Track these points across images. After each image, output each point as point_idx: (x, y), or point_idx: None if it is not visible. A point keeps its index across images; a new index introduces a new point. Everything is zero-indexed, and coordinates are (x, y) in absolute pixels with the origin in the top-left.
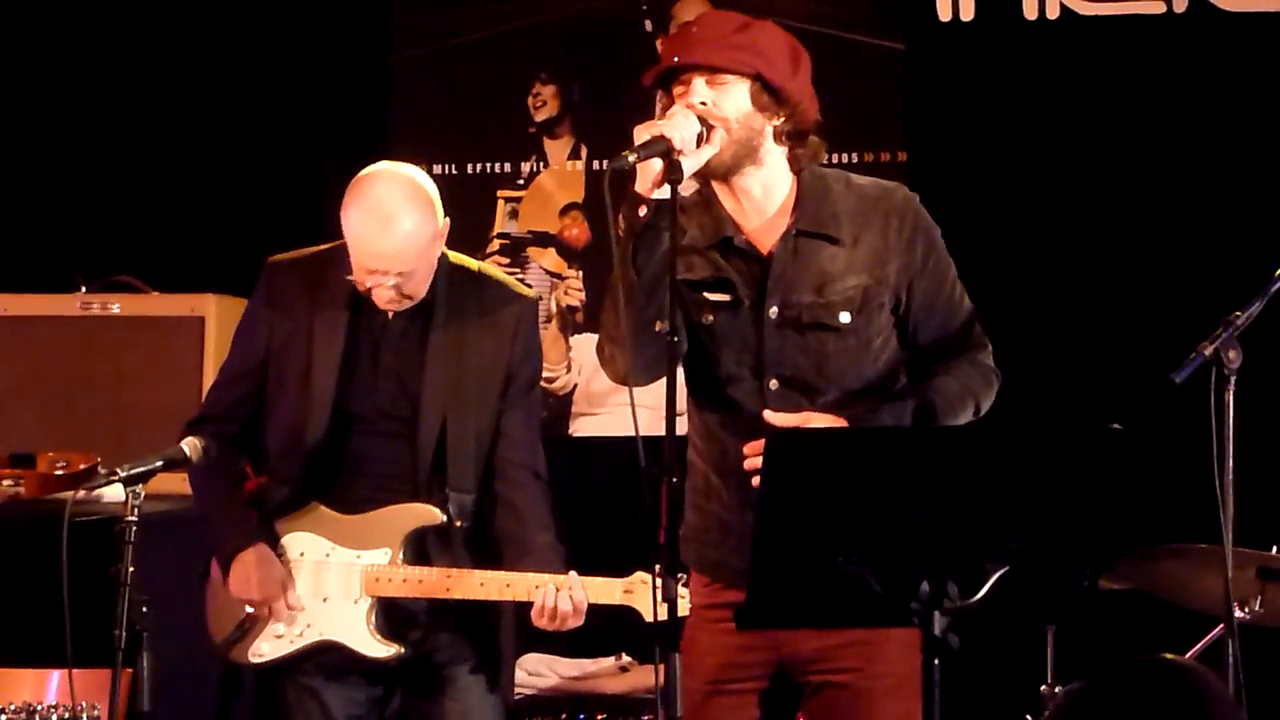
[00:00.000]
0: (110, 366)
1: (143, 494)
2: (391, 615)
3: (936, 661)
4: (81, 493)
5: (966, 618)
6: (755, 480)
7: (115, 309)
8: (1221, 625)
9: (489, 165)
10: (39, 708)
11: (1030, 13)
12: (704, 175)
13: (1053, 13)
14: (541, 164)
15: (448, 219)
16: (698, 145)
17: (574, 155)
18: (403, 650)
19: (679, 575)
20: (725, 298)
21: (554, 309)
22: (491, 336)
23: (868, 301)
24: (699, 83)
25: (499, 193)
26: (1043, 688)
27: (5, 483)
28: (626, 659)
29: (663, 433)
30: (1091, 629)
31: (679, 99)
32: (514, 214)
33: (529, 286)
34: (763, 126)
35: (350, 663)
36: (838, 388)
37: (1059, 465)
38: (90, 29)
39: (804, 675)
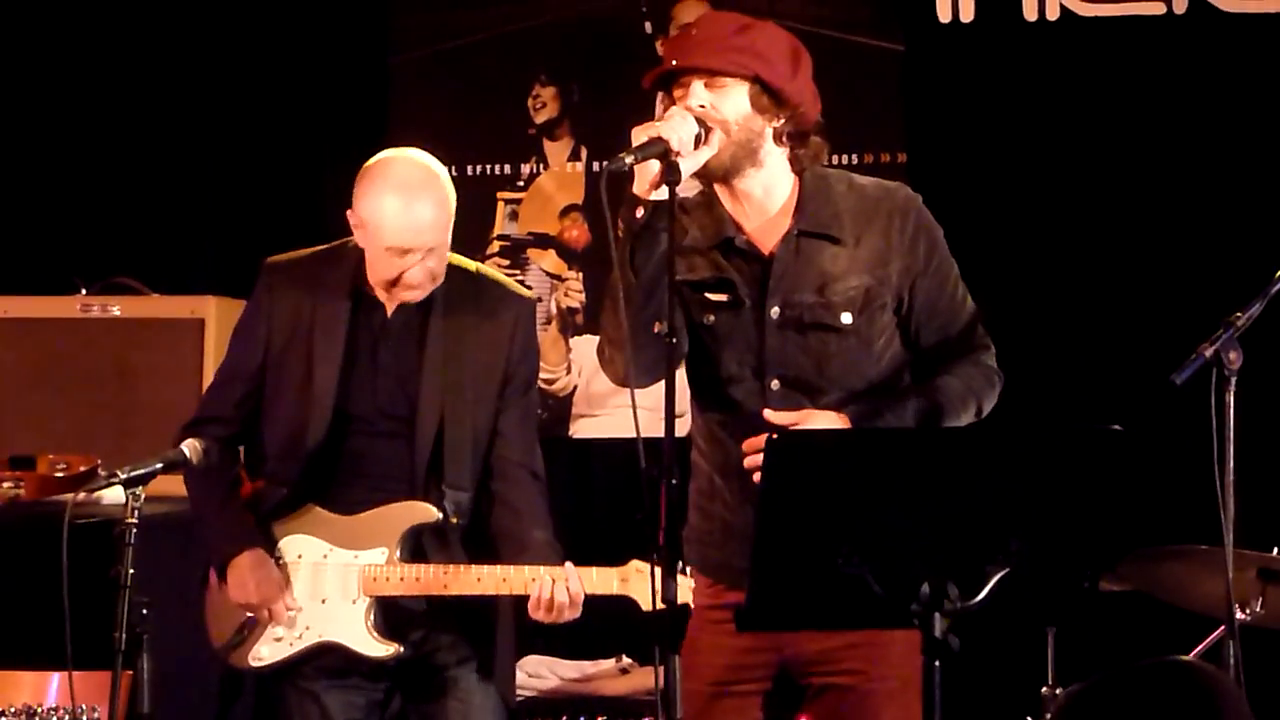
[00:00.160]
0: (110, 368)
1: (143, 496)
2: (390, 615)
3: (937, 663)
4: (82, 495)
5: (967, 619)
6: (756, 477)
7: (115, 311)
8: (1222, 627)
9: (489, 167)
10: (39, 710)
11: (1030, 14)
12: (703, 177)
13: (1052, 14)
14: (541, 166)
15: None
16: (695, 147)
17: (574, 157)
18: (401, 649)
19: (679, 564)
20: (726, 298)
21: (554, 310)
22: (489, 336)
23: (869, 302)
24: (698, 85)
25: (499, 194)
26: (1043, 689)
27: (5, 485)
28: (627, 661)
29: (662, 434)
30: (1092, 631)
31: (679, 101)
32: (514, 215)
33: (529, 288)
34: (762, 128)
35: (350, 664)
36: (839, 388)
37: (1059, 466)
38: (91, 31)
39: (806, 677)
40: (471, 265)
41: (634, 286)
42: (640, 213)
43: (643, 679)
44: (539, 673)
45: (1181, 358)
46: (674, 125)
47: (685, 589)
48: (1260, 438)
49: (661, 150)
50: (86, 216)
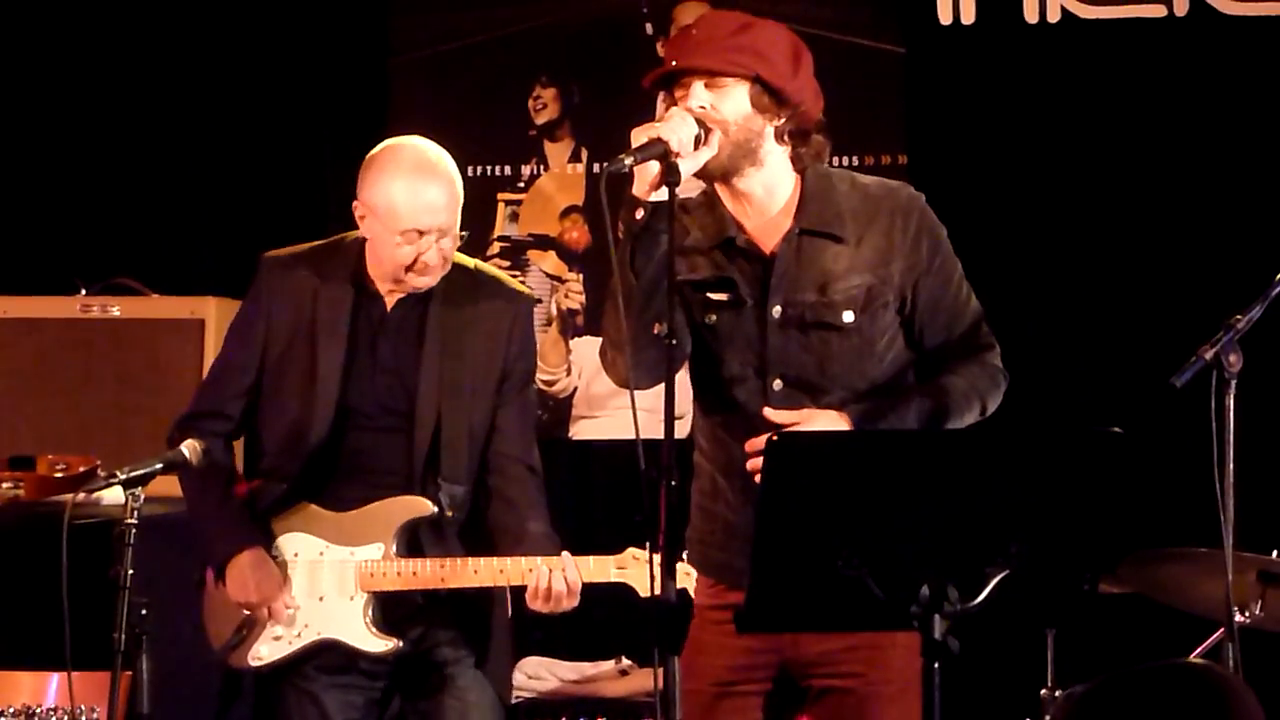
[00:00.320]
0: (110, 369)
1: (142, 496)
2: (388, 610)
3: (936, 665)
4: (81, 495)
5: (966, 621)
6: (756, 479)
7: (115, 311)
8: (1222, 629)
9: (489, 168)
10: (38, 710)
11: (1031, 16)
12: (703, 177)
13: (1053, 16)
14: (542, 167)
15: None
16: (695, 147)
17: (574, 158)
18: (400, 644)
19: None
20: (728, 298)
21: (554, 312)
22: (488, 332)
23: (871, 301)
24: (698, 86)
25: (499, 195)
26: (1043, 691)
27: (5, 485)
28: (626, 662)
29: (663, 436)
30: (1092, 633)
31: (680, 102)
32: (514, 217)
33: (529, 289)
34: (762, 128)
35: (348, 661)
36: (842, 387)
37: (1060, 469)
38: (91, 32)
39: (807, 679)
40: (470, 262)
41: (634, 288)
42: (640, 214)
43: (642, 680)
44: (538, 674)
45: (1181, 360)
46: (674, 126)
47: (682, 575)
48: (1260, 440)
49: (661, 151)
50: (87, 217)
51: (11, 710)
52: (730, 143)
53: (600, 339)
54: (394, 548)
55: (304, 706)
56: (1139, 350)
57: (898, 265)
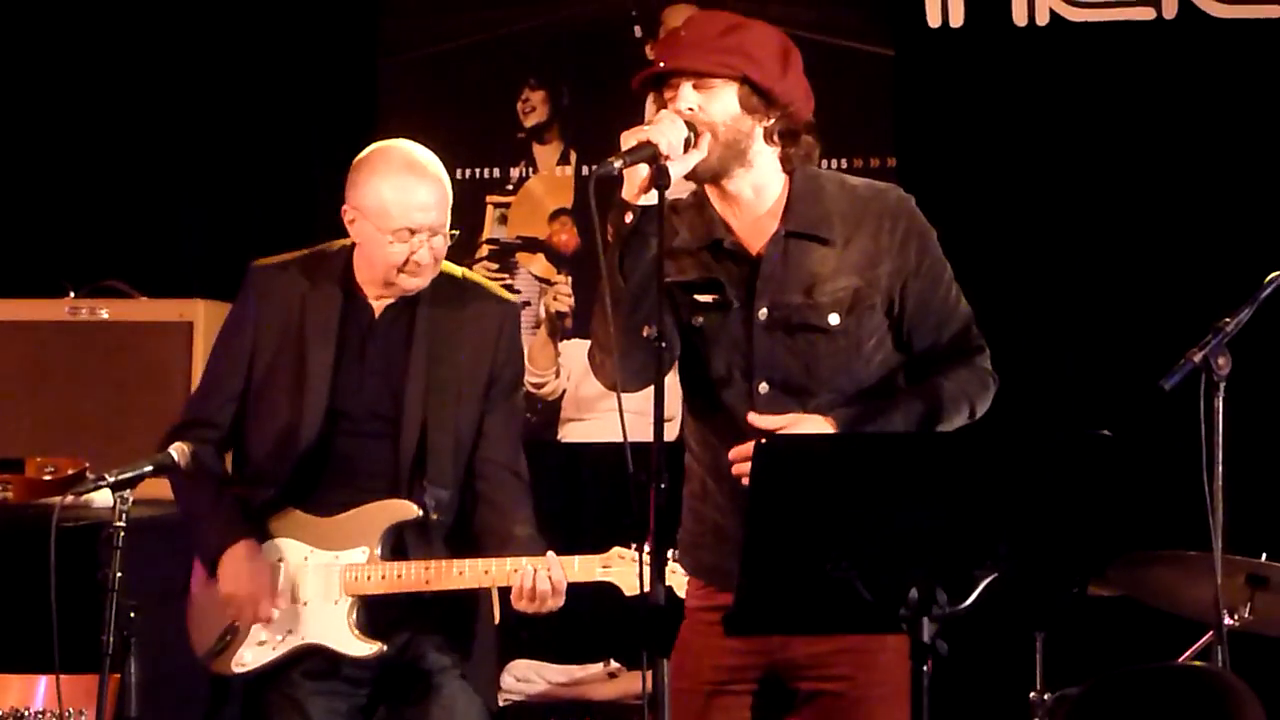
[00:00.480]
0: (99, 371)
1: (131, 499)
2: (373, 614)
3: (925, 668)
4: (70, 498)
5: (955, 624)
6: (744, 482)
7: (104, 314)
8: (1211, 632)
9: (478, 170)
10: (26, 713)
11: (1020, 19)
12: (692, 179)
13: (1042, 19)
14: (531, 169)
15: None
16: (685, 150)
17: (563, 161)
18: (385, 648)
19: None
20: (715, 299)
21: (543, 314)
22: (475, 338)
23: (858, 303)
24: (686, 87)
25: (488, 198)
26: (1032, 694)
27: None
28: (615, 665)
29: (652, 439)
30: (1081, 636)
31: (669, 103)
32: (503, 219)
33: (517, 292)
34: (751, 128)
35: (333, 667)
36: (829, 390)
37: (1049, 471)
38: (79, 34)
39: (796, 681)
40: (457, 271)
41: (622, 291)
42: (629, 217)
43: (631, 683)
44: (527, 677)
45: (1170, 363)
46: (663, 129)
47: (669, 575)
48: (1249, 443)
49: (650, 154)
50: (75, 220)
51: (0, 713)
52: (719, 144)
53: (589, 341)
54: (379, 551)
55: (288, 714)
56: (1128, 353)
57: (885, 268)
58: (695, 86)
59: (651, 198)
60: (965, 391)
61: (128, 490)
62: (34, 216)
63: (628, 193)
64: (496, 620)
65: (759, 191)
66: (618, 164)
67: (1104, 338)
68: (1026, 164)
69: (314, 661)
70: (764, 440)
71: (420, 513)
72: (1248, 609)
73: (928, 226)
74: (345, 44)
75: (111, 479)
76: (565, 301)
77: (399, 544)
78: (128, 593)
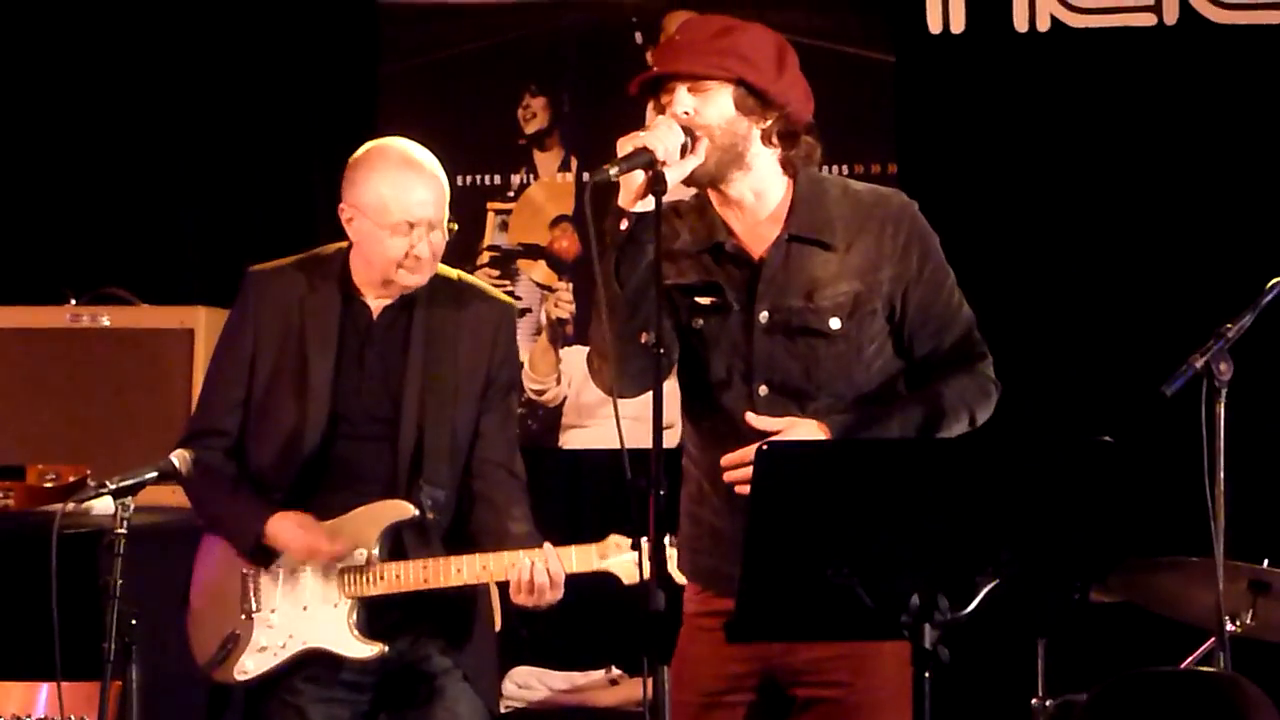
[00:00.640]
0: (100, 379)
1: (132, 506)
2: (374, 615)
3: (927, 674)
4: (71, 505)
5: (957, 630)
6: (737, 490)
7: (105, 321)
8: (1213, 638)
9: (479, 177)
10: None
11: (1021, 25)
12: (690, 184)
13: (1043, 25)
14: (531, 176)
15: None
16: (682, 155)
17: (564, 167)
18: (386, 649)
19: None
20: (714, 302)
21: (544, 321)
22: (472, 339)
23: (858, 308)
24: (681, 91)
25: (489, 205)
26: (1033, 700)
27: None
28: (616, 672)
29: (651, 445)
30: (1082, 642)
31: (666, 108)
32: (504, 226)
33: (518, 298)
34: (748, 130)
35: (335, 670)
36: (828, 394)
37: (1050, 477)
38: (79, 42)
39: (794, 688)
40: (453, 273)
41: (619, 298)
42: (624, 224)
43: (632, 690)
44: (528, 684)
45: (1172, 368)
46: (659, 135)
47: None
48: (1250, 449)
49: (647, 160)
50: (76, 227)
51: None
52: (716, 148)
53: (589, 348)
54: (377, 552)
55: None
56: (1129, 358)
57: (887, 273)
58: (690, 90)
59: (648, 204)
60: (965, 399)
61: (129, 497)
62: (35, 224)
63: (624, 199)
64: (498, 627)
65: (760, 195)
66: (613, 171)
67: (1106, 343)
68: (1028, 170)
69: (315, 667)
70: (765, 445)
71: (416, 513)
72: (1250, 615)
73: (930, 232)
74: (345, 51)
75: (113, 486)
76: (566, 308)
77: (398, 545)
78: (129, 600)
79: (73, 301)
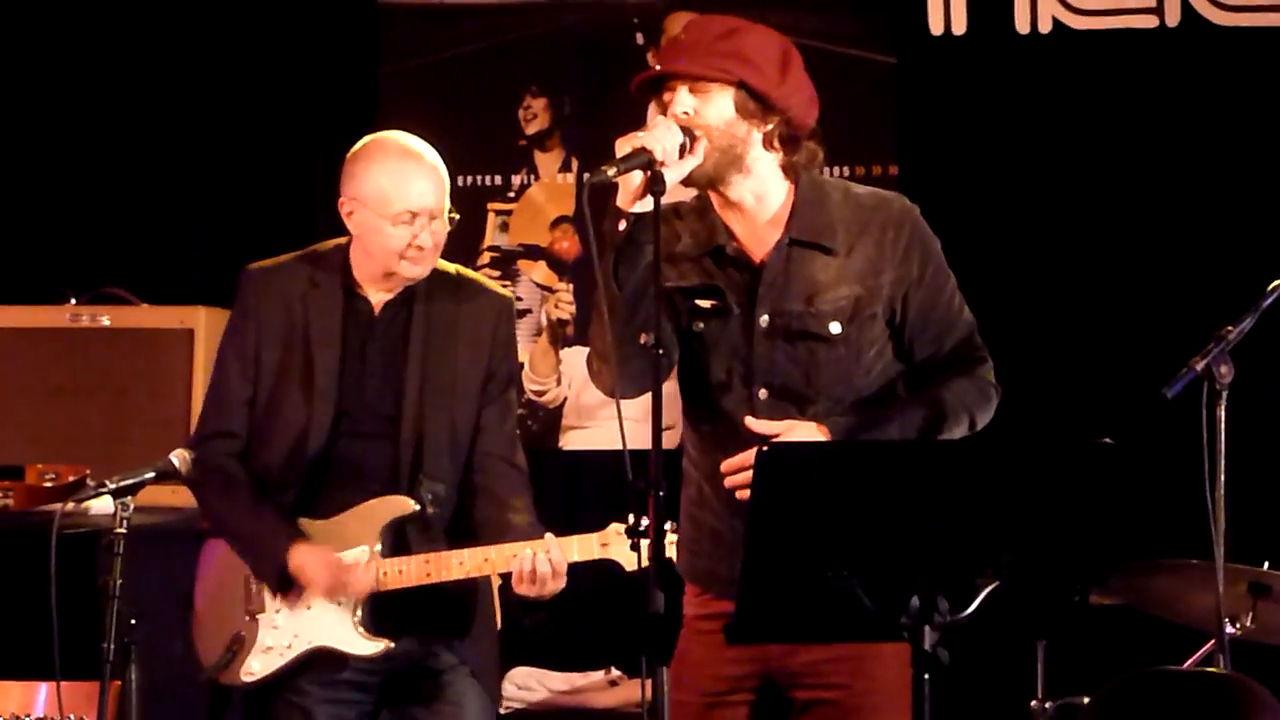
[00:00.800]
0: (100, 378)
1: (132, 506)
2: (379, 612)
3: (926, 676)
4: (70, 505)
5: (957, 632)
6: (738, 494)
7: (105, 321)
8: (1213, 641)
9: (479, 178)
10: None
11: (1022, 26)
12: (689, 185)
13: (1045, 26)
14: (532, 177)
15: None
16: (680, 156)
17: (565, 168)
18: (392, 644)
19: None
20: (715, 305)
21: (544, 322)
22: (471, 334)
23: (859, 312)
24: (682, 91)
25: (489, 205)
26: (1033, 703)
27: None
28: (616, 673)
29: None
30: (1082, 644)
31: (668, 106)
32: (504, 227)
33: (518, 299)
34: (748, 134)
35: (340, 669)
36: (827, 398)
37: (1050, 480)
38: (80, 41)
39: (793, 690)
40: (451, 267)
41: (617, 299)
42: (622, 225)
43: (631, 691)
44: (528, 685)
45: (1173, 371)
46: (658, 135)
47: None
48: (1251, 452)
49: (645, 161)
50: (76, 227)
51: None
52: (715, 149)
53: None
54: (379, 548)
55: None
56: (1130, 361)
57: (888, 277)
58: (691, 90)
59: (646, 205)
60: (965, 402)
61: (128, 497)
62: (35, 223)
63: (622, 200)
64: (498, 625)
65: (760, 199)
66: (611, 172)
67: (1107, 345)
68: (1029, 172)
69: (321, 667)
70: (766, 447)
71: (417, 508)
72: (1249, 617)
73: (931, 236)
74: (346, 51)
75: (112, 486)
76: (567, 309)
77: (401, 540)
78: (128, 600)
79: (73, 301)
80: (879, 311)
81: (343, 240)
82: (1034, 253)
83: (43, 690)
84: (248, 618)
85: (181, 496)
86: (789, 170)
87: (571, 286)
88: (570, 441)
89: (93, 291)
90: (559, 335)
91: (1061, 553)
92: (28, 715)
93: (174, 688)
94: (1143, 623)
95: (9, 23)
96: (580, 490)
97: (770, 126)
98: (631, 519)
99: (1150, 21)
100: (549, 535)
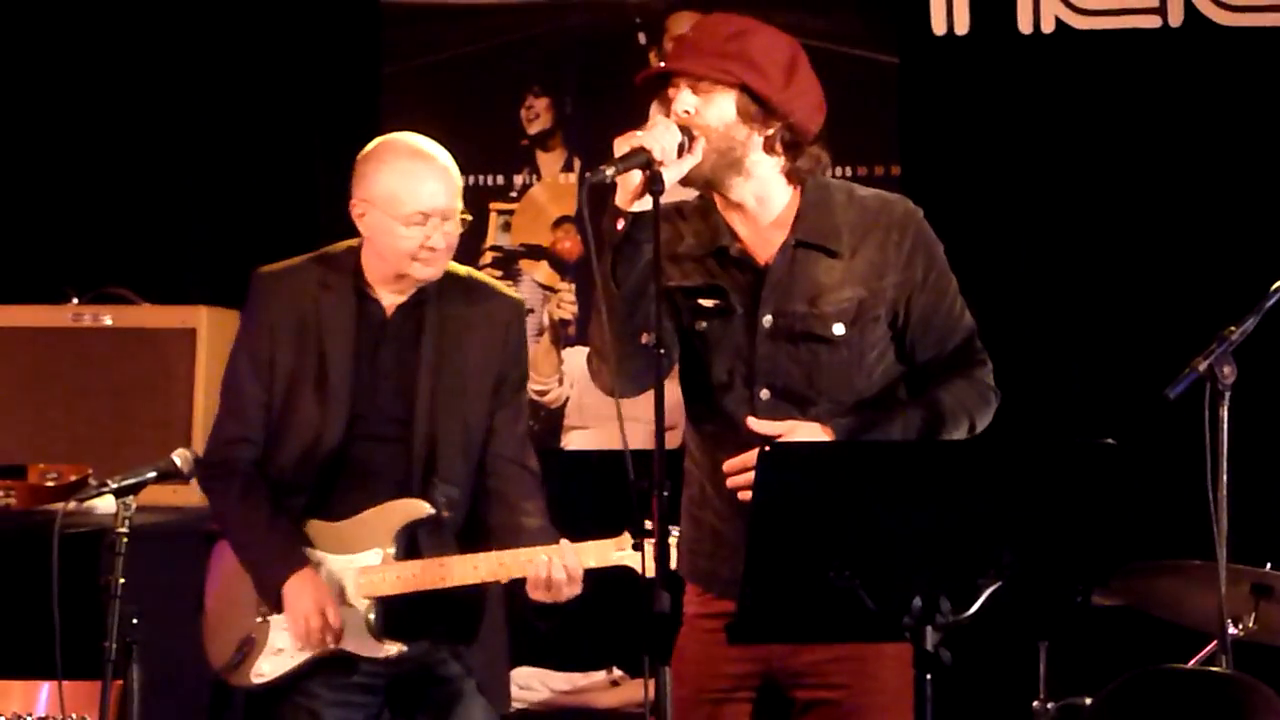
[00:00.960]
0: (102, 378)
1: (134, 505)
2: (391, 615)
3: (928, 677)
4: (72, 504)
5: (959, 633)
6: (740, 495)
7: (107, 321)
8: (1215, 642)
9: (481, 178)
10: (28, 719)
11: (1025, 26)
12: (687, 184)
13: (1047, 26)
14: (534, 177)
15: None
16: (679, 155)
17: (567, 168)
18: (405, 648)
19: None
20: (718, 305)
21: (546, 322)
22: (483, 337)
23: (862, 314)
24: (685, 90)
25: (491, 205)
26: (1035, 703)
27: None
28: (618, 673)
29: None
30: (1084, 645)
31: (671, 103)
32: (507, 227)
33: (520, 294)
34: (748, 137)
35: (349, 671)
36: (829, 399)
37: (1053, 480)
38: (83, 41)
39: (794, 690)
40: (462, 270)
41: (616, 299)
42: (620, 224)
43: (633, 691)
44: (529, 684)
45: (1175, 372)
46: (656, 134)
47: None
48: (1253, 452)
49: (644, 160)
50: (78, 226)
51: (2, 719)
52: (713, 150)
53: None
54: (393, 551)
55: None
56: (1133, 361)
57: (891, 279)
58: (693, 90)
59: (645, 204)
60: (965, 405)
61: (130, 496)
62: (37, 222)
63: (621, 199)
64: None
65: (762, 201)
66: (610, 171)
67: (1109, 345)
68: (1031, 172)
69: (331, 669)
70: (768, 447)
71: (432, 511)
72: (1252, 618)
73: (935, 239)
74: (348, 51)
75: (114, 485)
76: (569, 309)
77: (412, 544)
78: (130, 599)
79: (75, 301)
80: (882, 314)
81: (354, 242)
82: (1036, 252)
83: (44, 689)
84: (259, 619)
85: (183, 496)
86: (792, 176)
87: (573, 286)
88: (572, 441)
89: (95, 291)
90: (561, 335)
91: (1063, 553)
92: (29, 714)
93: (176, 687)
94: (1145, 624)
95: (12, 23)
96: (582, 491)
97: (772, 131)
98: (635, 520)
99: (1153, 21)
100: (564, 541)
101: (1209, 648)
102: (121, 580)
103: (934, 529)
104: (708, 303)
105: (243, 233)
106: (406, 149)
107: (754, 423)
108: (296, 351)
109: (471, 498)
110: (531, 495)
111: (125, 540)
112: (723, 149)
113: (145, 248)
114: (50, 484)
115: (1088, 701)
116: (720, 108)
